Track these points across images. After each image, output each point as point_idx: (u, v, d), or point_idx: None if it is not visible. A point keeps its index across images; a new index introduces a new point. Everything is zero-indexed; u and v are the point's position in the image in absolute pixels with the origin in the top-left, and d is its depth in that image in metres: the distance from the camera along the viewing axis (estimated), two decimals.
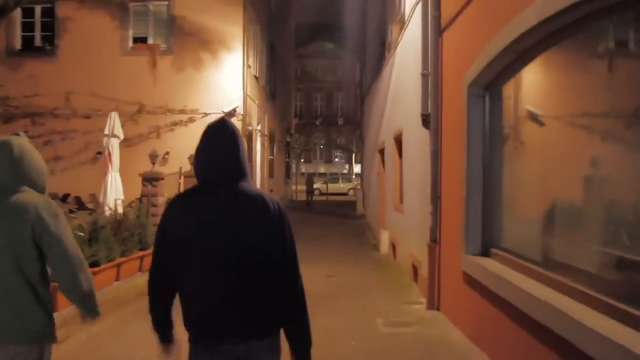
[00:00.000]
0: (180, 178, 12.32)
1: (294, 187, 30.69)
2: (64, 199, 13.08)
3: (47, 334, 2.28)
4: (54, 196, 12.92)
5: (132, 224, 8.40)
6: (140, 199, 10.45)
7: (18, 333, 2.17)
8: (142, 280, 8.35)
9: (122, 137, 11.50)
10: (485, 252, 5.26)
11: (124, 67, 14.10)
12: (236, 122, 14.06)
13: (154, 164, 11.61)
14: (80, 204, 12.69)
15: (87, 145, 14.16)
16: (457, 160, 5.87)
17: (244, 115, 14.08)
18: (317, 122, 56.50)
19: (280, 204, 2.26)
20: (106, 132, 11.31)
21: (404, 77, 9.43)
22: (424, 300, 7.10)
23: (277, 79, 22.30)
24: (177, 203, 2.20)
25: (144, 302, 2.34)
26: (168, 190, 11.33)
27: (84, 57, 14.16)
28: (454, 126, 6.03)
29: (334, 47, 53.39)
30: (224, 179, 2.15)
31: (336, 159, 58.27)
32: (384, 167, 13.22)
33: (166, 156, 13.99)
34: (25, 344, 2.18)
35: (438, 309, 6.61)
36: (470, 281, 5.25)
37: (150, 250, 8.78)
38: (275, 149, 21.65)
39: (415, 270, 8.32)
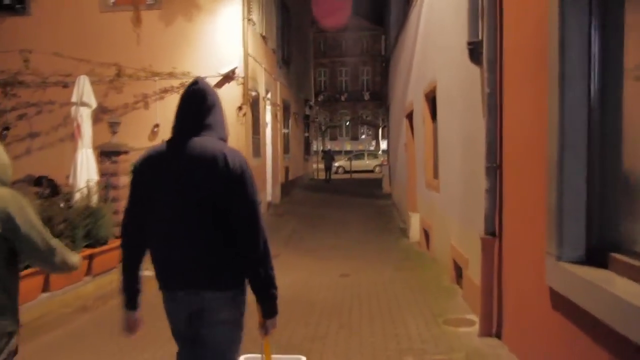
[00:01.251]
0: None
1: (315, 165, 28.47)
2: (38, 182, 11.17)
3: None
4: (29, 179, 11.00)
5: (77, 213, 6.35)
6: (107, 181, 8.40)
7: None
8: (90, 288, 6.31)
9: (94, 105, 9.47)
10: (594, 259, 3.00)
11: (103, 26, 12.01)
12: (235, 85, 11.89)
13: (114, 133, 9.56)
14: (53, 188, 10.75)
15: (66, 119, 12.16)
16: (533, 108, 3.58)
17: (245, 79, 11.89)
18: (342, 98, 54.71)
19: (245, 162, 2.23)
20: (74, 99, 9.27)
21: (438, 8, 7.07)
22: (474, 318, 4.87)
23: (292, 44, 19.99)
24: (145, 155, 2.28)
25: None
26: None
27: (58, 15, 12.10)
28: (527, 54, 3.72)
29: (358, 19, 51.41)
30: (187, 133, 2.22)
31: (362, 136, 56.27)
32: (412, 135, 10.92)
33: (155, 129, 11.94)
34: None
35: (498, 336, 4.38)
36: (565, 306, 3.01)
37: (103, 247, 6.75)
38: (291, 122, 19.44)
39: (458, 270, 6.08)
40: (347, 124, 55.29)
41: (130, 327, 2.29)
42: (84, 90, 9.42)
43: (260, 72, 14.01)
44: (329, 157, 27.22)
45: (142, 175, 2.24)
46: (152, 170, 2.22)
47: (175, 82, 11.96)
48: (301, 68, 22.78)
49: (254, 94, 12.16)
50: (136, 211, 2.24)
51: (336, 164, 35.09)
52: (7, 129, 11.75)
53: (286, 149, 18.83)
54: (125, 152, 8.64)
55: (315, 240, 10.23)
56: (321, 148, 37.00)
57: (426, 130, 8.65)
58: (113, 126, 9.78)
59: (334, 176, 29.59)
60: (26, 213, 2.14)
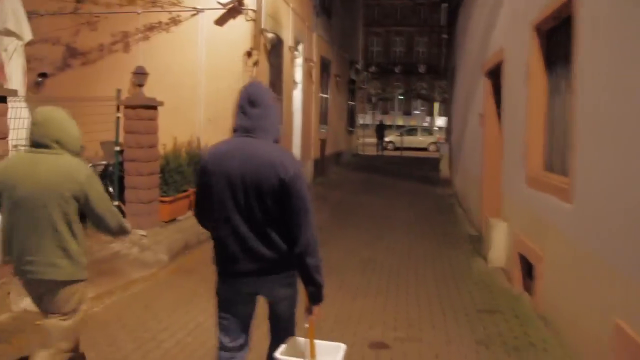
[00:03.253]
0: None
1: (360, 140, 24.89)
2: None
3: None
4: None
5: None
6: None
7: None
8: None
9: (27, 37, 6.48)
10: None
11: None
12: (244, 21, 8.52)
13: (141, 86, 6.68)
14: None
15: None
16: None
17: (258, 13, 8.51)
18: (396, 70, 50.88)
19: (299, 165, 2.37)
20: None
21: None
22: None
23: None
24: (210, 151, 2.41)
25: None
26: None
27: None
28: None
29: None
30: (244, 133, 2.35)
31: (416, 111, 52.30)
32: (495, 101, 7.32)
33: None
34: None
35: None
36: None
37: None
38: (330, 85, 15.96)
39: None
40: (400, 97, 51.66)
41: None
42: (9, 13, 6.40)
43: (285, 11, 10.56)
44: (381, 129, 24.37)
45: (207, 171, 2.35)
46: (215, 167, 2.33)
47: (164, 16, 8.70)
48: (347, 22, 19.09)
49: (270, 35, 8.76)
50: (204, 203, 2.41)
51: (387, 139, 31.56)
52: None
53: (323, 118, 15.40)
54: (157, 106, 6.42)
55: (341, 250, 6.88)
56: (371, 121, 33.50)
57: (534, 89, 5.05)
58: (138, 78, 6.82)
59: (384, 152, 26.14)
60: (94, 182, 2.52)
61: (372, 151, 25.35)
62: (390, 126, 36.02)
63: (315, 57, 13.63)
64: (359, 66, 21.79)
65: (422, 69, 51.06)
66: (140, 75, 6.41)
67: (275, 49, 10.18)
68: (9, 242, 2.53)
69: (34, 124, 2.51)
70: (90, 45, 8.89)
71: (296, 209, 2.26)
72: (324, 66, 15.05)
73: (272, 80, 10.10)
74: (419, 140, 31.63)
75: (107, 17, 8.90)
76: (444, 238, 7.86)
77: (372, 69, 48.65)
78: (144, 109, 6.28)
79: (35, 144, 2.50)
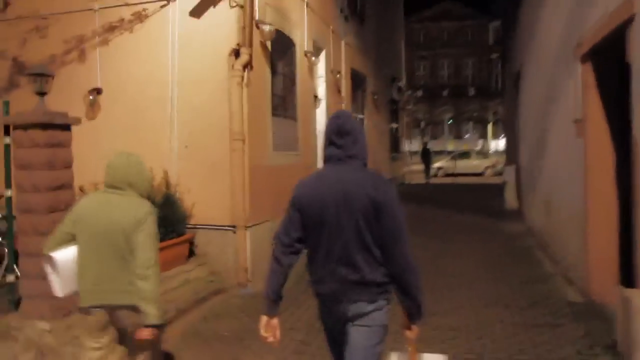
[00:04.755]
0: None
1: (406, 167, 22.11)
2: None
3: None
4: None
5: None
6: None
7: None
8: None
9: None
10: None
11: None
12: (229, 8, 6.17)
13: (42, 94, 4.37)
14: None
15: None
16: None
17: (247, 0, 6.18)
18: (444, 93, 48.79)
19: (390, 187, 2.40)
20: None
21: None
22: None
23: None
24: (304, 180, 2.53)
25: None
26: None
27: None
28: None
29: (460, 6, 46.10)
30: (336, 162, 2.44)
31: (467, 135, 49.55)
32: (601, 96, 4.63)
33: (93, 96, 6.59)
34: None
35: None
36: None
37: None
38: (366, 105, 13.48)
39: None
40: (450, 121, 49.17)
41: (269, 331, 2.51)
42: None
43: (297, 5, 8.23)
44: (427, 154, 22.39)
45: (301, 200, 2.45)
46: (309, 196, 2.43)
47: (126, 12, 6.52)
48: (386, 33, 16.66)
49: (267, 28, 6.38)
50: (296, 226, 2.48)
51: (436, 165, 28.59)
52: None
53: None
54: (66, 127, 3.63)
55: None
56: (419, 147, 30.69)
57: None
58: (37, 81, 4.43)
59: (432, 180, 23.23)
60: (151, 222, 2.74)
61: (421, 179, 22.49)
62: (440, 152, 33.01)
63: (344, 69, 11.22)
64: (402, 84, 19.19)
65: (471, 91, 48.75)
66: (39, 79, 4.10)
67: (283, 53, 7.84)
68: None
69: (110, 167, 2.82)
70: (39, 57, 6.78)
71: (391, 228, 2.31)
72: (357, 81, 12.60)
73: (279, 93, 7.71)
74: (473, 164, 28.40)
75: (58, 20, 6.81)
76: (530, 310, 5.08)
77: (420, 93, 46.84)
78: (41, 129, 3.96)
79: (110, 186, 2.81)
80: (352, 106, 12.17)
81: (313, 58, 8.70)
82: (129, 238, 2.67)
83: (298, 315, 5.16)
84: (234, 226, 6.22)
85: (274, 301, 2.53)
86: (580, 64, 5.13)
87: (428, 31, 49.27)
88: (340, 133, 2.42)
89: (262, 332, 2.50)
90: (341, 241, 2.35)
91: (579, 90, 5.23)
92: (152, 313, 2.63)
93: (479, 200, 14.86)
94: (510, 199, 12.73)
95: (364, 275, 2.33)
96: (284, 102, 8.02)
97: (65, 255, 2.74)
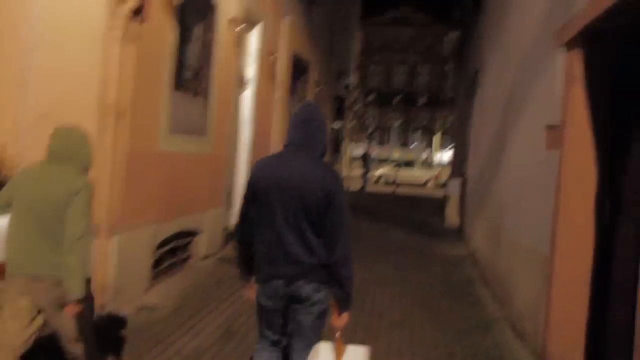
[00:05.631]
0: None
1: (345, 172, 20.86)
2: None
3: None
4: None
5: None
6: None
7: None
8: None
9: None
10: None
11: None
12: None
13: None
14: None
15: None
16: None
17: None
18: (395, 100, 48.48)
19: (341, 181, 2.63)
20: None
21: None
22: None
23: None
24: (260, 162, 2.68)
25: None
26: None
27: None
28: None
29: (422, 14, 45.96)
30: (295, 149, 2.60)
31: (414, 144, 49.48)
32: (592, 96, 3.43)
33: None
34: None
35: None
36: None
37: None
38: (306, 95, 12.06)
39: None
40: (398, 126, 49.00)
41: (249, 292, 2.80)
42: None
43: None
44: (366, 160, 21.54)
45: (258, 181, 2.59)
46: (265, 179, 2.57)
47: None
48: (339, 23, 15.33)
49: None
50: (250, 212, 2.63)
51: (377, 172, 27.68)
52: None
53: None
54: None
55: None
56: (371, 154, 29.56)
57: None
58: None
59: (370, 187, 22.20)
60: (84, 196, 2.73)
61: (359, 185, 21.36)
62: (385, 160, 32.12)
63: (283, 52, 9.77)
64: (350, 82, 17.92)
65: (422, 99, 48.57)
66: None
67: (201, 15, 6.32)
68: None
69: (52, 139, 2.87)
70: None
71: (335, 221, 2.48)
72: (299, 68, 11.16)
73: (188, 62, 6.18)
74: (416, 175, 27.69)
75: None
76: None
77: (371, 97, 46.28)
78: None
79: (50, 157, 2.84)
80: (289, 97, 10.74)
81: (238, 28, 7.18)
82: (59, 211, 2.68)
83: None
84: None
85: (248, 275, 2.75)
86: (566, 51, 3.90)
87: (385, 35, 48.73)
88: (306, 121, 2.61)
89: (245, 294, 2.82)
90: (294, 225, 2.49)
91: (559, 87, 4.00)
92: (75, 288, 2.65)
93: (417, 214, 13.78)
94: (451, 216, 11.68)
95: (319, 259, 2.51)
96: (196, 76, 6.48)
97: None
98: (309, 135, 2.58)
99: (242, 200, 2.70)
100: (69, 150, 2.82)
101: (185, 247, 6.51)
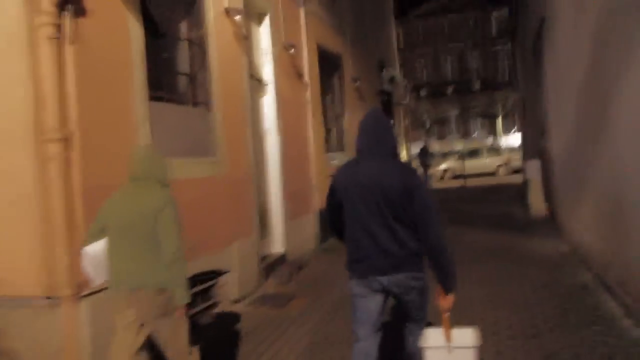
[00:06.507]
0: None
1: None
2: None
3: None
4: None
5: None
6: None
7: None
8: None
9: None
10: None
11: None
12: None
13: None
14: None
15: None
16: None
17: None
18: (449, 90, 46.39)
19: (418, 174, 2.82)
20: None
21: None
22: None
23: None
24: (341, 169, 2.88)
25: None
26: None
27: None
28: None
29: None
30: (370, 152, 2.74)
31: (475, 132, 46.97)
32: None
33: None
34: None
35: None
36: None
37: None
38: (345, 93, 10.62)
39: None
40: (457, 116, 46.73)
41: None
42: None
43: None
44: (425, 154, 19.17)
45: (340, 188, 2.77)
46: (347, 184, 2.74)
47: None
48: (369, 13, 13.82)
49: None
50: (335, 215, 2.83)
51: (442, 167, 25.79)
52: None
53: (336, 142, 10.09)
54: None
55: None
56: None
57: None
58: None
59: (436, 184, 20.40)
60: (170, 210, 2.88)
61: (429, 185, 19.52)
62: (448, 153, 30.00)
63: (305, 44, 8.41)
64: (395, 74, 16.24)
65: (477, 85, 46.10)
66: None
67: (183, 5, 5.08)
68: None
69: (132, 161, 3.05)
70: None
71: (422, 211, 2.58)
72: (329, 62, 9.76)
73: (170, 66, 4.92)
74: (484, 163, 25.39)
75: None
76: None
77: (423, 92, 44.54)
78: None
79: (133, 178, 3.01)
80: (323, 97, 9.36)
81: (237, 17, 5.86)
82: (150, 225, 2.83)
83: None
84: (53, 297, 3.42)
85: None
86: None
87: (426, 27, 46.41)
88: (373, 126, 2.76)
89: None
90: (382, 222, 2.62)
91: None
92: (181, 295, 2.86)
93: (495, 207, 11.90)
94: (535, 203, 9.80)
95: (410, 250, 2.62)
96: (191, 83, 5.22)
97: (95, 248, 2.94)
98: (378, 140, 2.72)
99: (327, 208, 2.90)
100: (148, 169, 2.98)
101: (207, 292, 5.20)
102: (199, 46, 5.36)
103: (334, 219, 2.84)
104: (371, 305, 2.73)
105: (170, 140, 4.60)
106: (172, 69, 5.09)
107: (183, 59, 5.25)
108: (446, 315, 2.69)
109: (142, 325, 2.90)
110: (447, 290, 2.66)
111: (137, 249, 2.85)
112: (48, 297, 3.47)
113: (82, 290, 3.49)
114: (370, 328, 2.75)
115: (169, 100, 4.79)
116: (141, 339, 2.91)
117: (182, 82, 5.23)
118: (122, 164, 3.96)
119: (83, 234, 3.53)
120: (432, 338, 2.72)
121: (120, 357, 2.89)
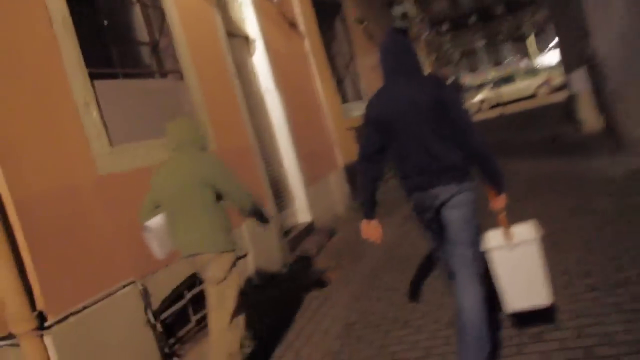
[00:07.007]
0: None
1: None
2: None
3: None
4: None
5: None
6: None
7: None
8: None
9: None
10: None
11: None
12: None
13: None
14: None
15: None
16: None
17: None
18: (471, 21, 43.83)
19: (447, 86, 2.65)
20: None
21: None
22: None
23: None
24: (372, 99, 2.75)
25: None
26: None
27: None
28: None
29: None
30: (397, 73, 2.65)
31: (508, 58, 44.48)
32: None
33: None
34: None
35: None
36: None
37: None
38: (353, 38, 9.54)
39: None
40: (483, 46, 44.43)
41: (371, 233, 2.82)
42: None
43: None
44: (457, 89, 17.59)
45: (373, 116, 2.68)
46: (380, 109, 2.66)
47: None
48: None
49: None
50: (374, 139, 2.70)
51: (477, 98, 24.37)
52: None
53: (353, 92, 9.13)
54: None
55: None
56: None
57: None
58: None
59: (474, 117, 19.07)
60: (218, 167, 3.01)
61: None
62: (482, 85, 28.27)
63: None
64: (407, 8, 14.85)
65: (500, 9, 43.49)
66: None
67: None
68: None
69: (169, 133, 3.10)
70: None
71: (459, 121, 2.52)
72: (327, 5, 8.71)
73: (120, 36, 4.11)
74: (521, 87, 23.68)
75: None
76: None
77: (445, 26, 42.45)
78: None
79: (174, 149, 3.07)
80: (327, 45, 8.37)
81: None
82: (200, 191, 2.93)
83: None
84: (6, 337, 2.77)
85: (370, 208, 2.78)
86: None
87: None
88: (393, 46, 2.66)
89: (364, 234, 2.81)
90: (419, 140, 2.56)
91: None
92: (265, 212, 3.24)
93: (542, 130, 10.70)
94: (589, 119, 8.59)
95: (453, 161, 2.56)
96: (154, 51, 4.40)
97: (157, 221, 3.03)
98: (400, 59, 2.66)
99: (362, 139, 2.80)
100: (186, 137, 3.03)
101: None
102: (153, 8, 4.51)
103: (367, 150, 2.72)
104: (431, 221, 2.70)
105: (132, 122, 3.81)
106: (123, 39, 4.27)
107: (138, 26, 4.42)
108: (502, 215, 2.73)
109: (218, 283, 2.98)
110: (498, 190, 2.66)
111: (192, 216, 2.93)
112: (1, 338, 2.81)
113: (44, 320, 2.82)
114: (439, 241, 2.75)
115: (125, 76, 3.99)
116: (231, 293, 3.00)
117: (143, 53, 4.41)
118: (61, 162, 3.21)
119: (28, 251, 2.84)
120: (493, 239, 2.75)
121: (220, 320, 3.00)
